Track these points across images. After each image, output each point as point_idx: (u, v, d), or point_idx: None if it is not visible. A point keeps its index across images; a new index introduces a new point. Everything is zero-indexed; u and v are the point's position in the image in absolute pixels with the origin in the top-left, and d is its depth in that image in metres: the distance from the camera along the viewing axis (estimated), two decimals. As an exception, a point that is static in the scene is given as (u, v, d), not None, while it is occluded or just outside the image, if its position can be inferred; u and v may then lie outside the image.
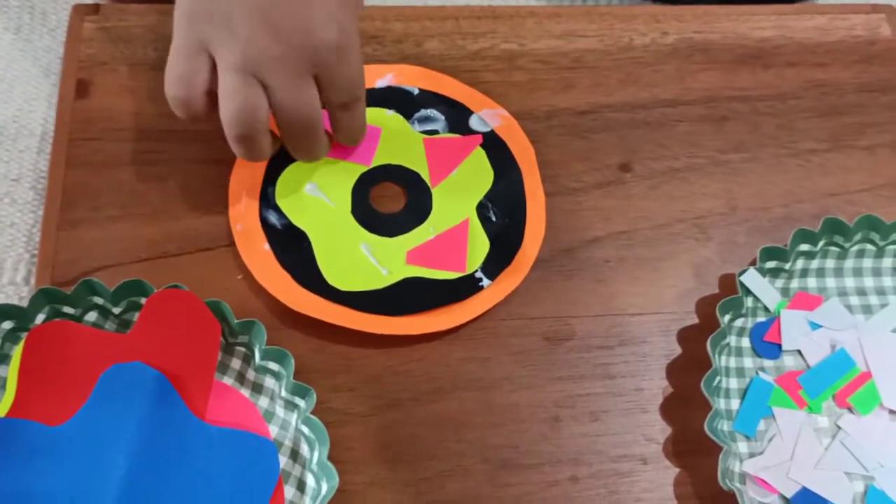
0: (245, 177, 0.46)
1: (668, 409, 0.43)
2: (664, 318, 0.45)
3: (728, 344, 0.43)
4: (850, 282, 0.46)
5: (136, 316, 0.41)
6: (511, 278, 0.45)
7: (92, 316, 0.42)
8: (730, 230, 0.48)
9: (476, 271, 0.45)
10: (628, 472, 0.42)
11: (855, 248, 0.46)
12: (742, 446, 0.41)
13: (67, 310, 0.42)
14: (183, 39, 0.41)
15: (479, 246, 0.45)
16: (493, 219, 0.46)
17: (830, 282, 0.46)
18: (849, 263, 0.46)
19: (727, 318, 0.43)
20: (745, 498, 0.38)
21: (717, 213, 0.48)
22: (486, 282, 0.45)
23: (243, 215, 0.45)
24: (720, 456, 0.39)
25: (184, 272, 0.44)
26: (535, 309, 0.45)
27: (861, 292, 0.46)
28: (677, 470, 0.42)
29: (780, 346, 0.43)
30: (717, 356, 0.42)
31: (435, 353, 0.44)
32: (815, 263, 0.46)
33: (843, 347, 0.43)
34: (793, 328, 0.43)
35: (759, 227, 0.48)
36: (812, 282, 0.46)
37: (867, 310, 0.45)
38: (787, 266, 0.45)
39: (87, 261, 0.44)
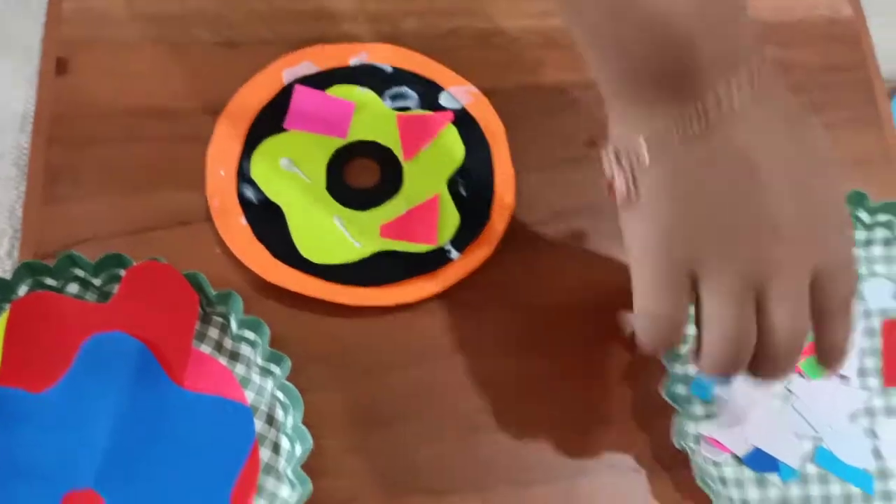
0: (222, 152, 0.48)
1: (631, 374, 0.45)
2: (629, 290, 0.47)
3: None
4: None
5: (116, 288, 0.43)
6: (480, 251, 0.46)
7: (73, 288, 0.44)
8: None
9: (446, 244, 0.46)
10: (593, 433, 0.44)
11: None
12: (698, 409, 0.43)
13: (50, 282, 0.43)
14: (664, 263, 0.34)
15: (449, 220, 0.47)
16: (464, 193, 0.48)
17: None
18: None
19: None
20: (699, 457, 0.40)
21: (681, 188, 0.50)
22: (455, 254, 0.46)
23: (220, 190, 0.47)
24: (675, 417, 0.41)
25: (163, 246, 0.46)
26: (504, 280, 0.47)
27: None
28: (637, 431, 0.44)
29: None
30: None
31: (406, 322, 0.45)
32: None
33: None
34: None
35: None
36: None
37: None
38: None
39: (69, 235, 0.46)
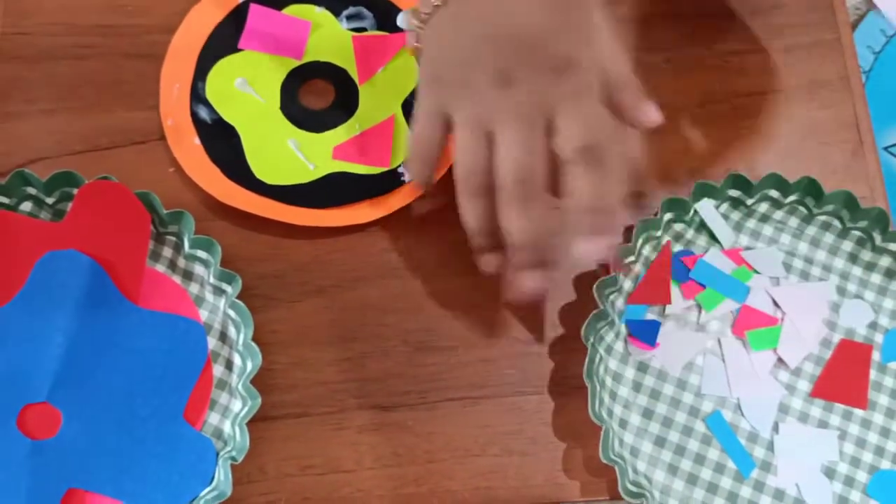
0: (176, 71, 0.47)
1: (578, 294, 0.46)
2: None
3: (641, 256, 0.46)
4: (803, 247, 0.47)
5: (69, 206, 0.43)
6: (432, 173, 0.47)
7: (27, 206, 0.44)
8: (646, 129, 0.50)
9: (399, 166, 0.47)
10: (536, 353, 0.45)
11: (823, 218, 0.47)
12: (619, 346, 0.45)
13: (2, 199, 0.43)
14: (425, 99, 0.41)
15: (403, 142, 0.47)
16: (418, 116, 0.48)
17: (785, 238, 0.47)
18: (811, 230, 0.47)
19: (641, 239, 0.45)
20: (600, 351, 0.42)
21: (635, 113, 0.50)
22: (407, 176, 0.47)
23: (174, 110, 0.47)
24: (588, 319, 0.42)
25: (116, 165, 0.46)
26: (454, 202, 0.47)
27: (808, 260, 0.47)
28: (580, 352, 0.45)
29: (690, 271, 0.46)
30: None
31: (358, 243, 0.46)
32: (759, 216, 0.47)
33: (749, 286, 0.45)
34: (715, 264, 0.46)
35: (673, 127, 0.50)
36: (767, 230, 0.47)
37: (804, 276, 0.46)
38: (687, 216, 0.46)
39: (22, 153, 0.46)
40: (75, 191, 0.43)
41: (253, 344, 0.41)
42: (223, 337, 0.43)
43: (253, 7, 0.49)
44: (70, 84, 0.47)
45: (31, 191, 0.43)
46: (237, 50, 0.48)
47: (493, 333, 0.45)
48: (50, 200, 0.44)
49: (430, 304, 0.46)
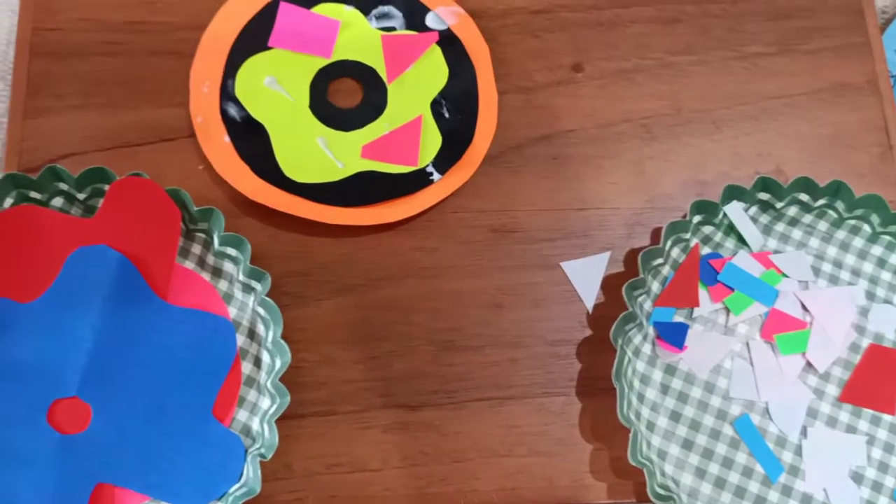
0: (205, 69, 0.48)
1: (606, 297, 0.46)
2: (606, 215, 0.48)
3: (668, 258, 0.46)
4: (832, 251, 0.47)
5: (101, 202, 0.43)
6: (460, 173, 0.47)
7: (58, 201, 0.44)
8: (673, 131, 0.50)
9: (427, 166, 0.47)
10: (564, 355, 0.45)
11: (852, 222, 0.47)
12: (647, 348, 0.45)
13: (34, 195, 0.44)
14: None
15: (431, 141, 0.47)
16: (446, 115, 0.48)
17: (814, 242, 0.47)
18: (840, 234, 0.47)
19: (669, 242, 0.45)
20: (628, 352, 0.42)
21: (662, 114, 0.50)
22: (436, 176, 0.47)
23: (204, 107, 0.47)
24: (617, 321, 0.42)
25: (146, 162, 0.46)
26: (483, 202, 0.47)
27: (837, 264, 0.46)
28: (608, 353, 0.45)
29: (718, 274, 0.46)
30: (647, 272, 0.44)
31: (386, 242, 0.46)
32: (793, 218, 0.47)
33: (777, 290, 0.45)
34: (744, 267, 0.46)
35: (701, 130, 0.50)
36: (796, 234, 0.47)
37: (833, 280, 0.46)
38: (722, 221, 0.46)
39: (51, 149, 0.46)
40: (106, 187, 0.43)
41: (282, 341, 0.41)
42: (252, 334, 0.43)
43: (283, 5, 0.49)
44: (99, 80, 0.48)
45: (63, 186, 0.44)
46: (267, 48, 0.48)
47: (520, 333, 0.45)
48: (81, 196, 0.44)
49: (456, 304, 0.46)
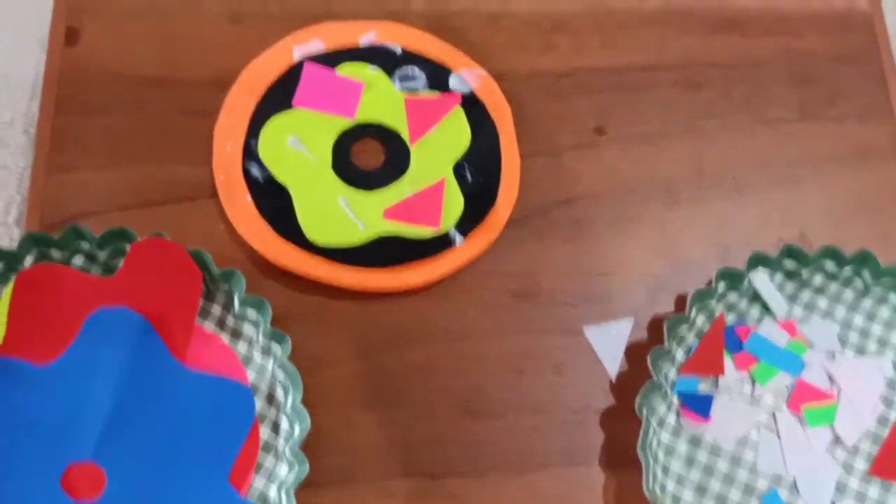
0: (229, 128, 0.48)
1: (630, 363, 0.46)
2: (629, 279, 0.47)
3: (693, 323, 0.45)
4: (858, 320, 0.46)
5: (121, 262, 0.43)
6: (483, 236, 0.47)
7: (78, 260, 0.44)
8: (696, 195, 0.50)
9: (450, 229, 0.47)
10: (587, 423, 0.44)
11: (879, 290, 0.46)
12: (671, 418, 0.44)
13: (55, 253, 0.43)
14: None
15: (454, 204, 0.47)
16: (469, 178, 0.48)
17: (840, 311, 0.46)
18: (866, 304, 0.46)
19: (695, 308, 0.44)
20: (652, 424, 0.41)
21: (685, 178, 0.50)
22: (459, 239, 0.46)
23: (226, 166, 0.47)
24: (642, 390, 0.41)
25: (167, 220, 0.46)
26: (506, 266, 0.47)
27: (864, 333, 0.46)
28: (632, 422, 0.44)
29: (743, 342, 0.45)
30: (672, 340, 0.43)
31: (407, 305, 0.46)
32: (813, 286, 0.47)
33: (803, 359, 0.45)
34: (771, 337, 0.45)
35: (724, 194, 0.50)
36: (822, 303, 0.46)
37: (860, 350, 0.46)
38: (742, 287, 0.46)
39: (75, 206, 0.46)
40: (128, 246, 0.43)
41: (302, 407, 0.41)
42: (270, 398, 0.43)
43: (307, 65, 0.49)
44: (124, 137, 0.48)
45: (84, 245, 0.43)
46: (290, 107, 0.48)
47: (542, 400, 0.45)
48: (102, 255, 0.44)
49: (478, 368, 0.45)
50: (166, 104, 0.49)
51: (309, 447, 0.41)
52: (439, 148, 0.48)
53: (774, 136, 0.52)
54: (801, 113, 0.52)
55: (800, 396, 0.44)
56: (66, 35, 0.49)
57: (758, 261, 0.45)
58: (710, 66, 0.53)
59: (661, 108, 0.52)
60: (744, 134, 0.51)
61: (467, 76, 0.50)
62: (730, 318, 0.46)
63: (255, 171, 0.47)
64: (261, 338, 0.43)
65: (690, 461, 0.43)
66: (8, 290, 0.42)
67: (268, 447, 0.42)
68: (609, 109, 0.51)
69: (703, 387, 0.44)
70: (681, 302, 0.47)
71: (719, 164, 0.50)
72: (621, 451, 0.44)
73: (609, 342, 0.46)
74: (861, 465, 0.44)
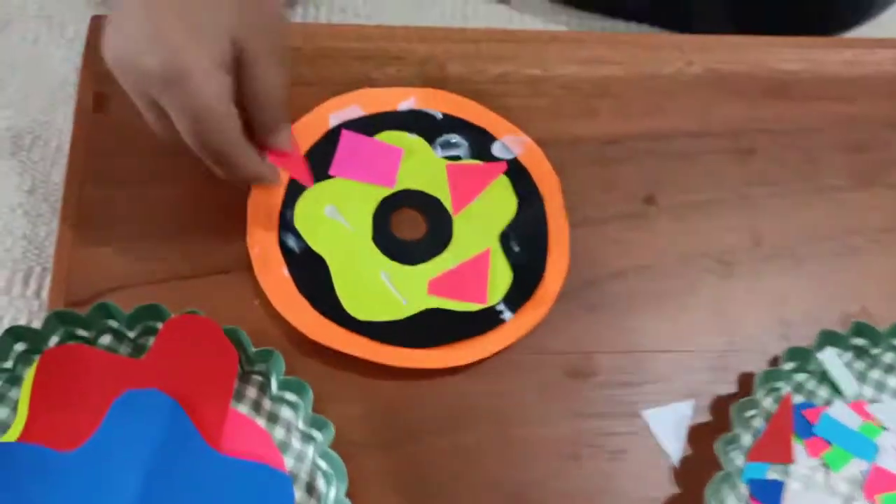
0: (263, 198, 0.45)
1: (692, 447, 0.43)
2: (688, 356, 0.45)
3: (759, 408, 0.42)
4: None
5: (152, 341, 0.41)
6: (534, 312, 0.44)
7: (106, 339, 0.41)
8: (753, 266, 0.47)
9: (498, 304, 0.44)
10: (645, 513, 0.41)
11: None
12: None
13: (81, 332, 0.41)
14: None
15: (500, 277, 0.45)
16: (516, 249, 0.46)
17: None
18: None
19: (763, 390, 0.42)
20: None
21: (741, 248, 0.48)
22: (507, 315, 0.44)
23: (261, 238, 0.45)
24: (711, 481, 0.38)
25: (199, 295, 0.43)
26: (557, 343, 0.44)
27: None
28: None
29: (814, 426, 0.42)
30: (739, 425, 0.41)
31: (454, 385, 0.43)
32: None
33: (876, 443, 0.42)
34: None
35: (781, 266, 0.48)
36: (893, 382, 0.44)
37: None
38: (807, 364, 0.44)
39: (102, 280, 0.43)
40: (159, 325, 0.41)
41: (347, 501, 0.38)
42: (310, 489, 0.40)
43: (344, 133, 0.47)
44: (153, 208, 0.46)
45: (113, 323, 0.41)
46: (328, 177, 0.46)
47: (599, 488, 0.42)
48: (132, 334, 0.41)
49: (529, 454, 0.42)
50: (196, 174, 0.47)
51: (352, 542, 0.38)
52: (484, 217, 0.46)
53: (830, 204, 0.50)
54: (855, 180, 0.50)
55: (876, 484, 0.41)
56: (95, 102, 0.48)
57: (827, 339, 0.43)
58: (759, 131, 0.51)
59: (710, 175, 0.50)
60: (799, 202, 0.49)
61: (511, 143, 0.48)
62: (797, 399, 0.43)
63: (292, 242, 0.45)
64: (300, 423, 0.40)
65: None
66: (31, 371, 0.39)
67: (308, 543, 0.39)
68: (657, 177, 0.49)
69: (773, 473, 0.41)
70: (744, 381, 0.44)
71: (774, 234, 0.48)
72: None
73: (669, 425, 0.43)
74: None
